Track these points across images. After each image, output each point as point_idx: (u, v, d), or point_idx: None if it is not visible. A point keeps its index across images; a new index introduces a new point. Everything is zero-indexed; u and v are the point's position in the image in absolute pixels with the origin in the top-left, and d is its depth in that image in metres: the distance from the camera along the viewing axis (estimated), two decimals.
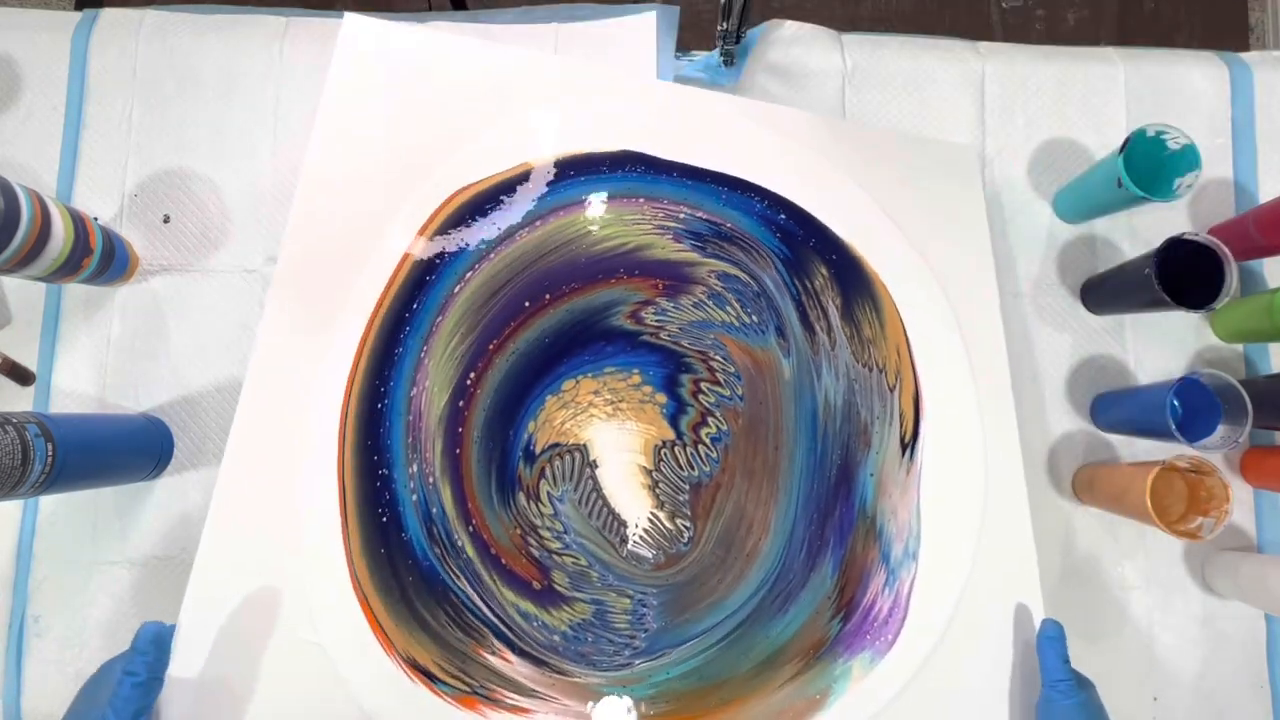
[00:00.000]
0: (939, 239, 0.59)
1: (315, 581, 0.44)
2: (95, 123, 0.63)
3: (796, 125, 0.60)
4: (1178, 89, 0.67)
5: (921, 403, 0.54)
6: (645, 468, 0.50)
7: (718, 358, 0.52)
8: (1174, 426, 0.53)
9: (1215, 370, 0.55)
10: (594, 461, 0.49)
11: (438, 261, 0.51)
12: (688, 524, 0.49)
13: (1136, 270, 0.56)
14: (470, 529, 0.47)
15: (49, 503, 0.59)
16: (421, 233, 0.51)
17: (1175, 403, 0.55)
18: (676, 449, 0.50)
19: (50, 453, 0.47)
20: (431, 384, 0.49)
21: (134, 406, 0.60)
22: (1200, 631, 0.60)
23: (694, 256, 0.54)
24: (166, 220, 0.62)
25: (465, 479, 0.48)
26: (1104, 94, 0.67)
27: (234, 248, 0.63)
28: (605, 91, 0.57)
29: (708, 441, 0.51)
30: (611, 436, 0.50)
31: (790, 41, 0.68)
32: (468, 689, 0.44)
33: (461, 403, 0.49)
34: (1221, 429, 0.54)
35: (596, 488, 0.49)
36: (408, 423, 0.48)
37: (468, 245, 0.52)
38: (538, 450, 0.49)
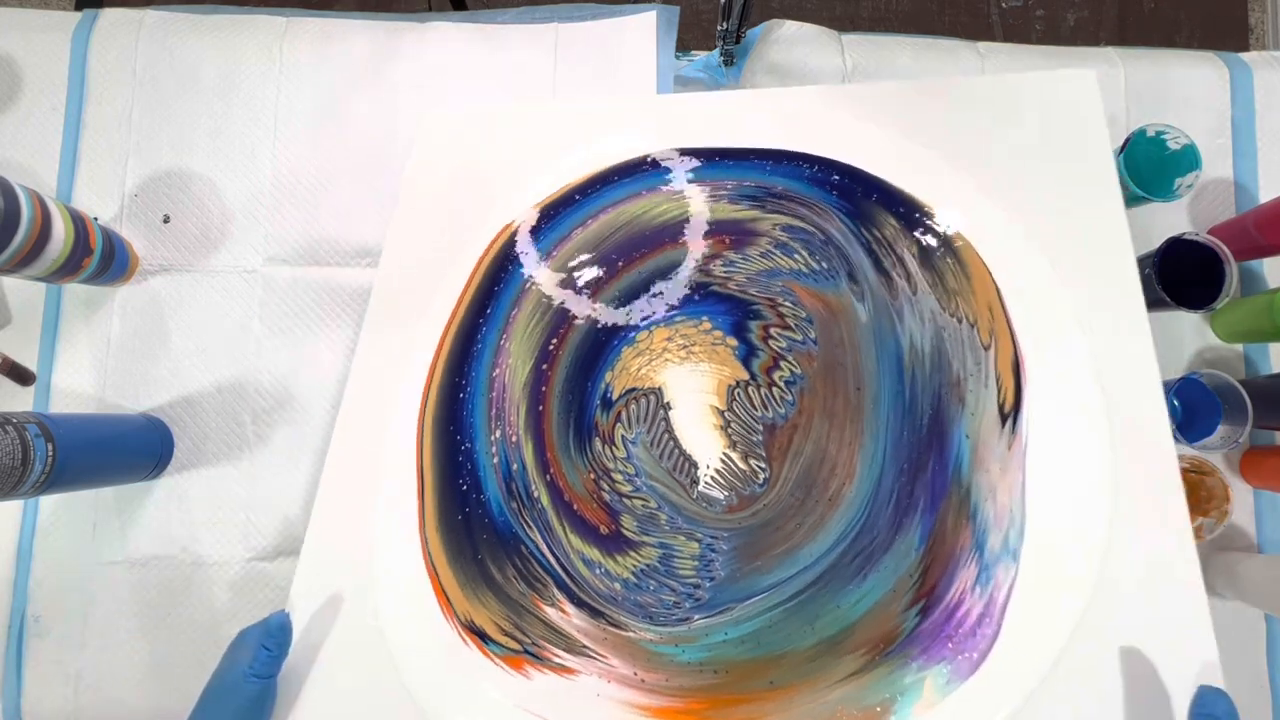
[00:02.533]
0: (1031, 185, 0.50)
1: (385, 561, 0.48)
2: (95, 123, 0.63)
3: (833, 101, 0.57)
4: (1178, 89, 0.67)
5: (1023, 370, 0.45)
6: (718, 408, 0.49)
7: (786, 303, 0.50)
8: (1174, 426, 0.53)
9: (1215, 370, 0.55)
10: (668, 404, 0.49)
11: (505, 272, 0.56)
12: (762, 464, 0.47)
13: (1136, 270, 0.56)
14: (547, 478, 0.49)
15: (49, 503, 0.59)
16: (484, 254, 0.57)
17: (1175, 403, 0.55)
18: (750, 389, 0.49)
19: (50, 453, 0.47)
20: (514, 360, 0.53)
21: (134, 406, 0.60)
22: None
23: (755, 213, 0.54)
24: (166, 220, 0.62)
25: (546, 432, 0.50)
26: (1104, 94, 0.66)
27: (234, 248, 0.63)
28: (638, 111, 0.61)
29: (781, 384, 0.48)
30: (685, 379, 0.50)
31: (790, 41, 0.68)
32: (519, 648, 0.45)
33: (545, 366, 0.52)
34: (1221, 429, 0.54)
35: (669, 430, 0.49)
36: (490, 399, 0.52)
37: (530, 252, 0.56)
38: (615, 396, 0.50)
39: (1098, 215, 0.48)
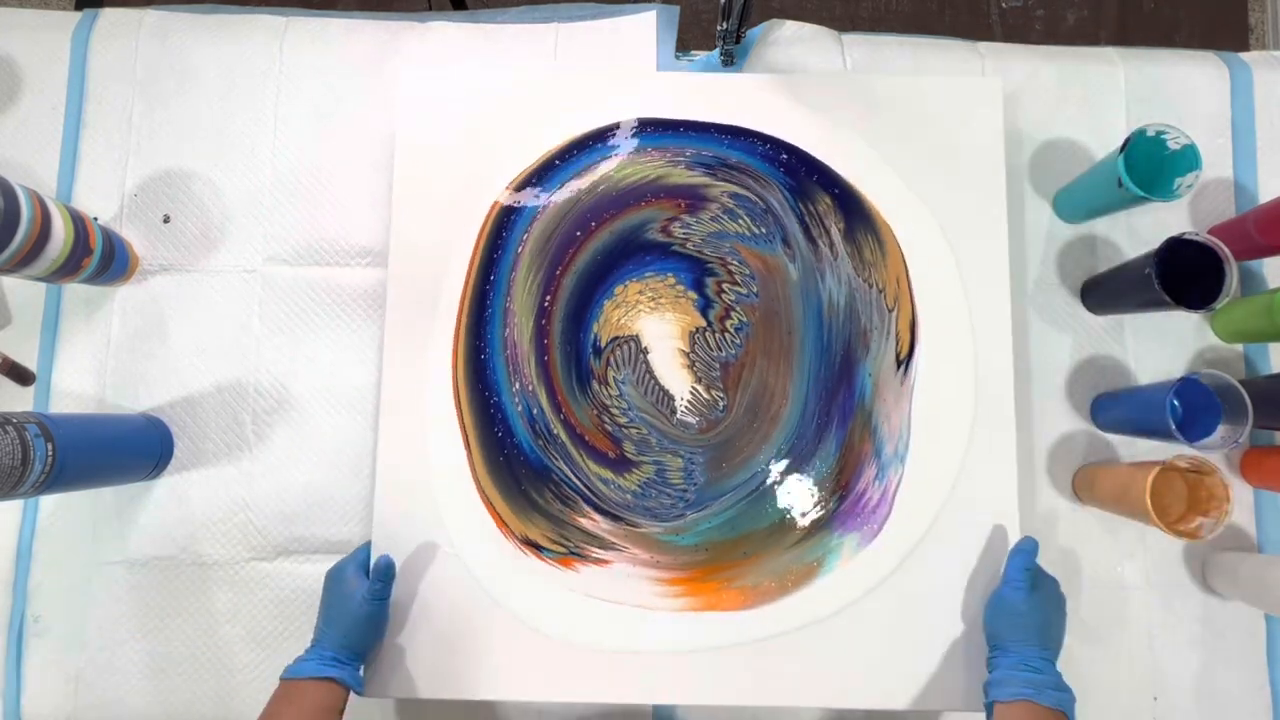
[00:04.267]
0: (944, 181, 0.63)
1: (449, 503, 0.59)
2: (95, 123, 0.63)
3: (797, 88, 0.65)
4: (1178, 89, 0.67)
5: (918, 329, 0.62)
6: (684, 350, 0.62)
7: (734, 262, 0.63)
8: (1174, 426, 0.53)
9: (1215, 370, 0.55)
10: (645, 348, 0.62)
11: (500, 239, 0.64)
12: (721, 394, 0.61)
13: (1136, 270, 0.56)
14: (561, 417, 0.61)
15: (49, 503, 0.59)
16: (481, 229, 0.64)
17: (1175, 403, 0.55)
18: (708, 335, 0.62)
19: (50, 453, 0.47)
20: (519, 318, 0.62)
21: (134, 406, 0.60)
22: (1200, 631, 0.60)
23: (707, 180, 0.64)
24: (166, 220, 0.62)
25: (554, 379, 0.62)
26: (1104, 94, 0.67)
27: (234, 248, 0.63)
28: (611, 83, 0.66)
29: (731, 330, 0.62)
30: (656, 327, 0.62)
31: (790, 41, 0.68)
32: (565, 550, 0.59)
33: (544, 321, 0.62)
34: (1221, 429, 0.54)
35: (649, 369, 0.62)
36: (506, 356, 0.62)
37: (518, 217, 0.64)
38: (602, 345, 0.62)
39: (984, 205, 0.63)
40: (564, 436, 0.61)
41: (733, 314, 0.62)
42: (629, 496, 0.60)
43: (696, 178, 0.64)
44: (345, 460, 0.61)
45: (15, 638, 0.58)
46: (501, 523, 0.59)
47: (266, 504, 0.60)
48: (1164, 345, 0.63)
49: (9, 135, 0.63)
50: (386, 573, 0.54)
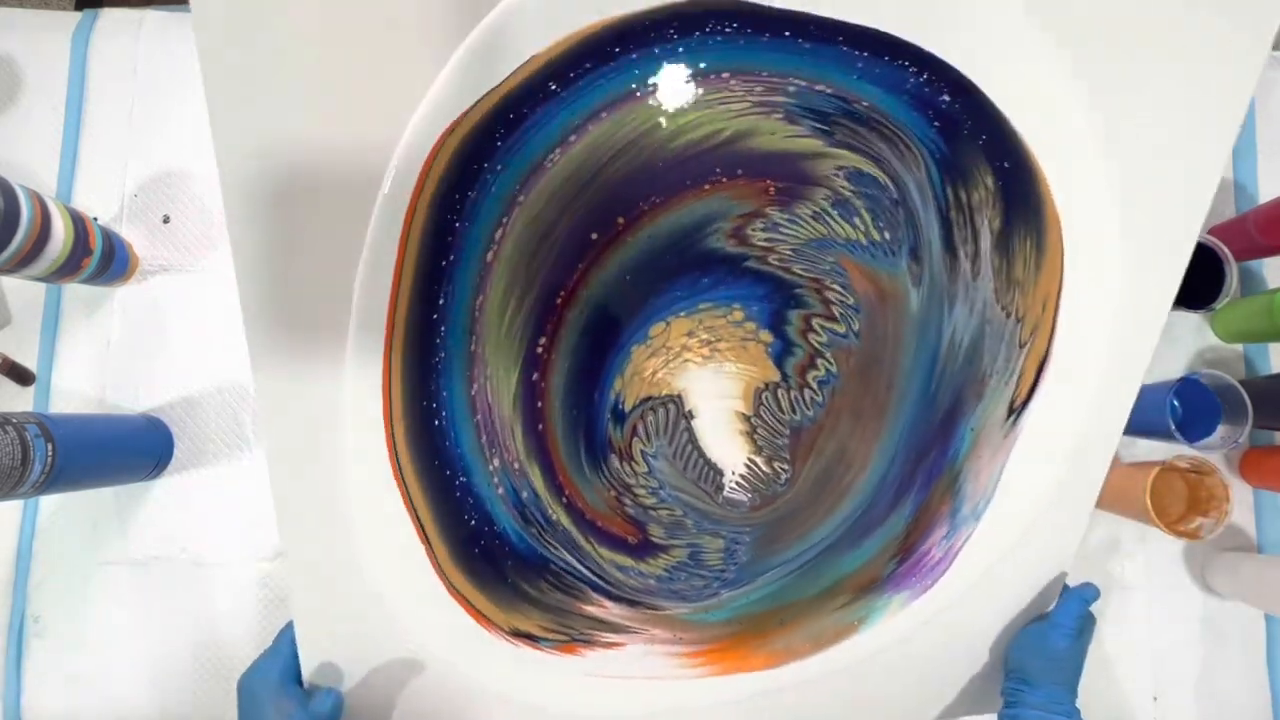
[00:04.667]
0: (1155, 146, 0.42)
1: (408, 611, 0.44)
2: (95, 123, 0.63)
3: None
4: None
5: (1045, 370, 0.46)
6: (744, 414, 0.44)
7: (836, 286, 0.42)
8: (1174, 426, 0.53)
9: (1215, 370, 0.55)
10: (690, 412, 0.43)
11: (449, 239, 0.39)
12: (785, 466, 0.45)
13: None
14: (564, 501, 0.44)
15: (49, 503, 0.59)
16: (408, 219, 0.38)
17: (1175, 403, 0.55)
18: (779, 392, 0.44)
19: (50, 453, 0.47)
20: (493, 370, 0.41)
21: (134, 406, 0.60)
22: (1200, 631, 0.60)
23: (817, 145, 0.40)
24: (166, 220, 0.62)
25: (553, 453, 0.43)
26: None
27: None
28: None
29: (814, 385, 0.44)
30: (708, 383, 0.43)
31: None
32: (567, 639, 0.46)
33: (535, 375, 0.41)
34: (1221, 429, 0.54)
35: (692, 439, 0.44)
36: (475, 424, 0.42)
37: (481, 199, 0.39)
38: (627, 408, 0.43)
39: (1189, 193, 0.43)
40: (566, 522, 0.44)
41: (819, 362, 0.43)
42: (651, 581, 0.46)
43: (801, 138, 0.40)
44: None
45: (15, 638, 0.58)
46: (482, 618, 0.45)
47: (266, 504, 0.60)
48: (1164, 345, 0.63)
49: (9, 135, 0.63)
50: (332, 717, 0.42)
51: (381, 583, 0.43)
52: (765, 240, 0.41)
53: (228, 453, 0.60)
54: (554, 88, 0.38)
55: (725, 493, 0.45)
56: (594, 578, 0.45)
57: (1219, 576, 0.60)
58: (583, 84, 0.38)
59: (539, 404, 0.42)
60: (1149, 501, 0.51)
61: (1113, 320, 0.45)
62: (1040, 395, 0.46)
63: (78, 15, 0.65)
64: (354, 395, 0.40)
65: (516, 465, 0.43)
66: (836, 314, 0.43)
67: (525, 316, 0.41)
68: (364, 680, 0.45)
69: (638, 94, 0.38)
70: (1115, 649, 0.60)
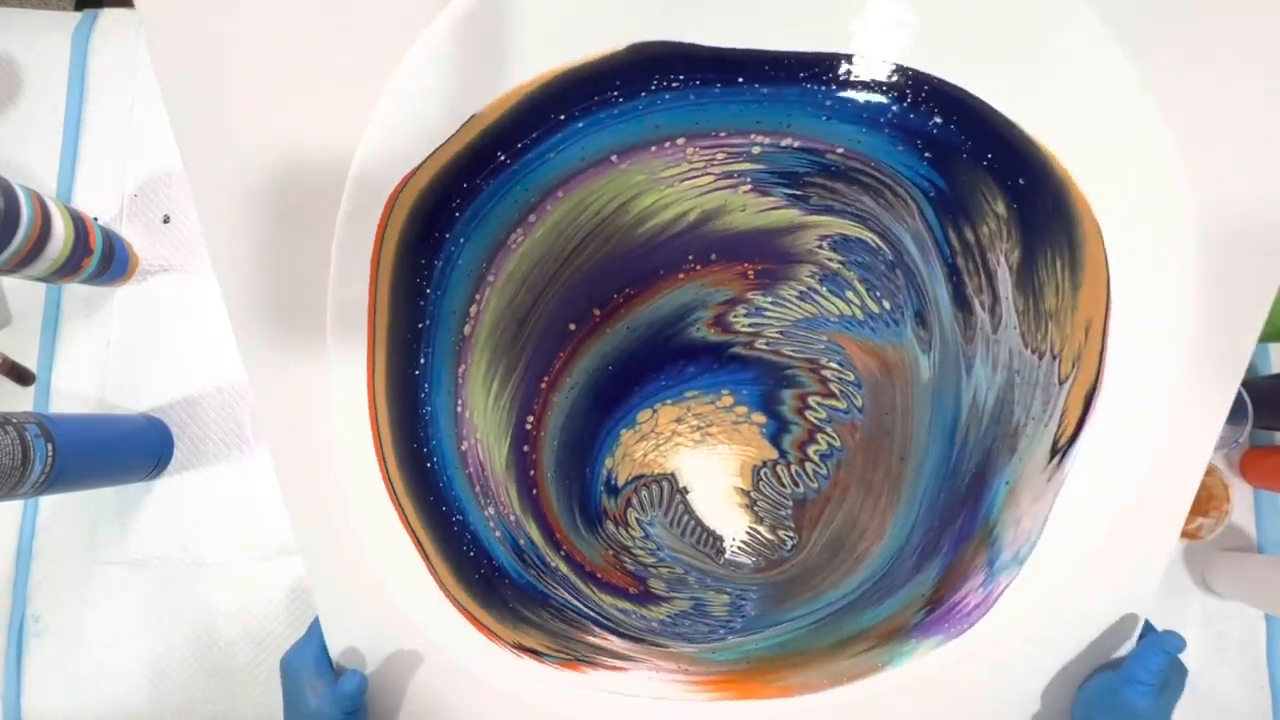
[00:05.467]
0: (1226, 131, 0.35)
1: (418, 615, 0.44)
2: (95, 123, 0.63)
3: None
4: None
5: (1096, 399, 0.40)
6: (742, 489, 0.43)
7: (832, 364, 0.40)
8: None
9: None
10: (684, 488, 0.43)
11: (421, 303, 0.38)
12: (790, 535, 0.44)
13: None
14: (561, 553, 0.44)
15: (49, 503, 0.59)
16: (373, 274, 0.37)
17: None
18: (779, 468, 0.43)
19: (50, 453, 0.47)
20: (484, 436, 0.41)
21: (134, 406, 0.60)
22: (1200, 631, 0.60)
23: (793, 215, 0.37)
24: (166, 220, 0.62)
25: (548, 514, 0.43)
26: None
27: None
28: None
29: (816, 459, 0.42)
30: (701, 463, 0.42)
31: None
32: (571, 658, 0.45)
33: (526, 448, 0.41)
34: (1222, 429, 0.54)
35: (689, 511, 0.43)
36: (468, 475, 0.42)
37: (448, 270, 0.38)
38: (620, 484, 0.43)
39: (1266, 174, 0.36)
40: (565, 570, 0.44)
41: (819, 437, 0.42)
42: (654, 624, 0.45)
43: (774, 210, 0.37)
44: None
45: (15, 638, 0.58)
46: (487, 631, 0.45)
47: (266, 504, 0.60)
48: None
49: (9, 135, 0.63)
50: (356, 695, 0.44)
51: (392, 587, 0.44)
52: (750, 326, 0.40)
53: (228, 453, 0.60)
54: (502, 158, 0.36)
55: (727, 555, 0.44)
56: (596, 615, 0.45)
57: (1219, 576, 0.60)
58: (531, 155, 0.36)
59: (531, 473, 0.42)
60: None
61: (1188, 328, 0.38)
62: (1091, 427, 0.40)
63: (78, 15, 0.65)
64: (342, 410, 0.40)
65: (512, 518, 0.42)
66: (835, 391, 0.41)
67: (511, 396, 0.40)
68: (385, 664, 0.46)
69: (593, 169, 0.36)
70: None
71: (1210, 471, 0.53)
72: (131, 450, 0.57)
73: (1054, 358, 0.39)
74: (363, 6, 0.34)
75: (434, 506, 0.42)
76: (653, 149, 0.36)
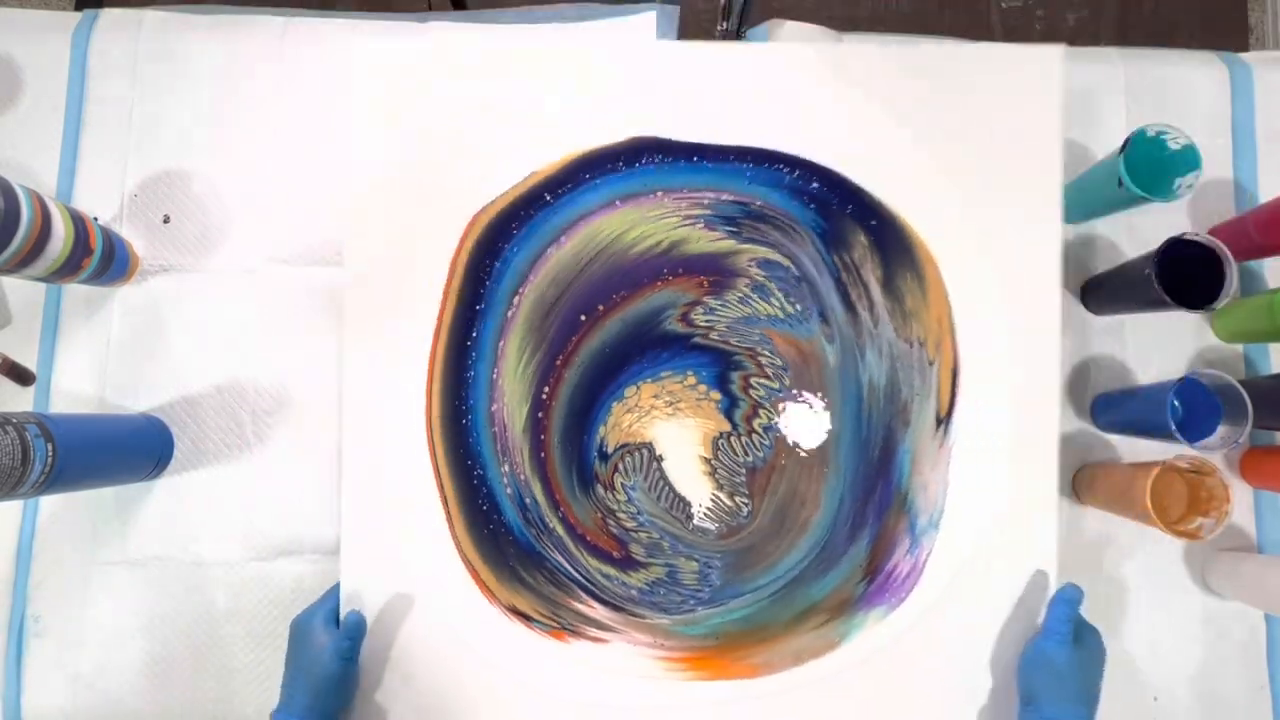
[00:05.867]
0: (994, 176, 0.55)
1: (427, 562, 0.54)
2: (95, 123, 0.63)
3: (826, 60, 0.56)
4: (1178, 89, 0.67)
5: (959, 375, 0.55)
6: (705, 458, 0.55)
7: (765, 352, 0.55)
8: (1174, 426, 0.53)
9: (1215, 370, 0.55)
10: (660, 456, 0.55)
11: (481, 290, 0.55)
12: (746, 501, 0.55)
13: (1136, 270, 0.56)
14: (559, 514, 0.55)
15: (49, 503, 0.59)
16: (452, 268, 0.55)
17: (1175, 403, 0.55)
18: (733, 439, 0.55)
19: (50, 453, 0.47)
20: (509, 400, 0.55)
21: (134, 406, 0.60)
22: (1200, 631, 0.60)
23: (732, 244, 0.55)
24: (166, 220, 0.62)
25: (551, 477, 0.55)
26: (1104, 94, 0.67)
27: (234, 248, 0.63)
28: (607, 68, 0.57)
29: (760, 431, 0.55)
30: (673, 433, 0.55)
31: (790, 41, 0.68)
32: (558, 625, 0.54)
33: (541, 414, 0.55)
34: (1221, 429, 0.54)
35: (663, 477, 0.55)
36: (493, 433, 0.55)
37: (503, 269, 0.56)
38: (609, 451, 0.55)
39: (1036, 202, 0.54)
40: (560, 530, 0.55)
41: (761, 412, 0.55)
42: (633, 591, 0.55)
43: (720, 240, 0.55)
44: None
45: (15, 638, 0.58)
46: (485, 588, 0.54)
47: (266, 504, 0.60)
48: (1164, 345, 0.63)
49: (9, 135, 0.63)
50: (356, 630, 0.51)
51: (412, 541, 0.54)
52: (706, 321, 0.55)
53: (228, 453, 0.60)
54: (548, 198, 0.56)
55: (695, 521, 0.55)
56: (583, 580, 0.55)
57: (1219, 576, 0.60)
58: (565, 199, 0.56)
59: (542, 436, 0.55)
60: (1149, 502, 0.51)
61: (1006, 314, 0.54)
62: (962, 399, 0.54)
63: (78, 15, 0.65)
64: (405, 396, 0.55)
65: (522, 477, 0.55)
66: (769, 373, 0.55)
67: (534, 368, 0.55)
68: (385, 623, 0.54)
69: (603, 210, 0.56)
70: (1115, 649, 0.60)
71: (1210, 472, 0.53)
72: (131, 450, 0.57)
73: (920, 345, 0.55)
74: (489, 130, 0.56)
75: (461, 459, 0.55)
76: (642, 198, 0.56)
